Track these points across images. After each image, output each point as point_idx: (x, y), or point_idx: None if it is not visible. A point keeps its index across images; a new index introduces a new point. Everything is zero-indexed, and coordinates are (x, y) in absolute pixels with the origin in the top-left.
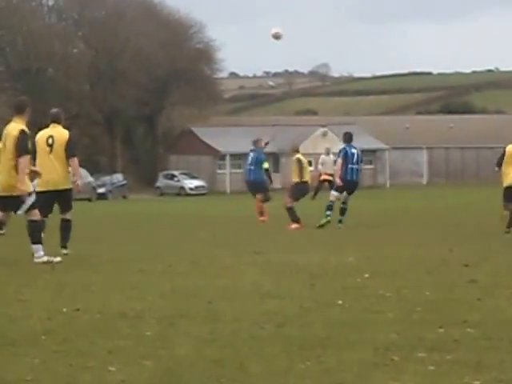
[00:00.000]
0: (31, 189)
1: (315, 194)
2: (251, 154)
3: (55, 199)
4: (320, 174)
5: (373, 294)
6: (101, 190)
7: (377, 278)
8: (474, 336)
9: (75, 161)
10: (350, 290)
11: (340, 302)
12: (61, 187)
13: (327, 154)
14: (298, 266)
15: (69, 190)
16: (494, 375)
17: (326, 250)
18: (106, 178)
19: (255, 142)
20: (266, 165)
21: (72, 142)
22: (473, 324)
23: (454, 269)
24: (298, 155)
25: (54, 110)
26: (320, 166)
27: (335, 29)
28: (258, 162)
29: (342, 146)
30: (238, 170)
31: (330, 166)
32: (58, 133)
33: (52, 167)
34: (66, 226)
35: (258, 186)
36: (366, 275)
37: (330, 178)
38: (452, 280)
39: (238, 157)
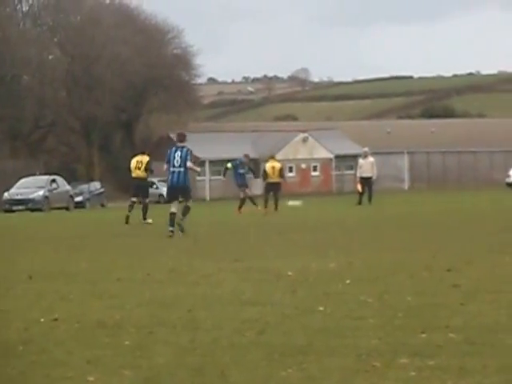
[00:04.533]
0: None
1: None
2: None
3: None
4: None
5: (354, 300)
6: (78, 199)
7: (358, 284)
8: (457, 341)
9: None
10: (331, 296)
11: (321, 308)
12: None
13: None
14: (279, 273)
15: None
16: (476, 380)
17: (307, 255)
18: (84, 186)
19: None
20: (228, 165)
21: None
22: (455, 329)
23: (436, 274)
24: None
25: None
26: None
27: (315, 33)
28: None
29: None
30: (218, 177)
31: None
32: None
33: None
34: None
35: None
36: (348, 281)
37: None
38: (434, 285)
39: (218, 163)
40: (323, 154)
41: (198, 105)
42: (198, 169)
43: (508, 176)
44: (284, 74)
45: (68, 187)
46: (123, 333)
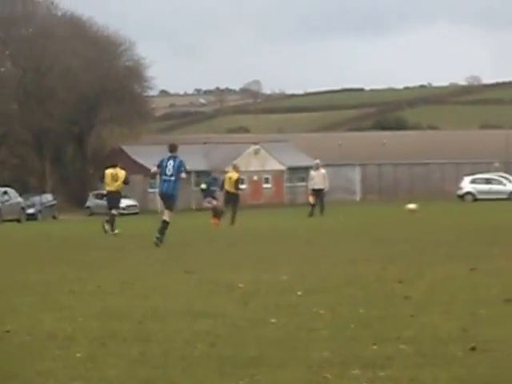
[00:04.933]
0: None
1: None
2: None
3: None
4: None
5: (306, 312)
6: (30, 211)
7: (310, 296)
8: (408, 352)
9: None
10: (283, 308)
11: (273, 320)
12: None
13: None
14: (231, 285)
15: None
16: None
17: (258, 267)
18: (36, 199)
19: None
20: (202, 186)
21: None
22: (406, 340)
23: (387, 285)
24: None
25: None
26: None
27: (267, 46)
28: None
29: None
30: None
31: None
32: None
33: None
34: None
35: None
36: (299, 293)
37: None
38: (386, 296)
39: None
40: (275, 165)
41: (150, 117)
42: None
43: (460, 188)
44: (236, 86)
45: (20, 199)
46: (75, 345)
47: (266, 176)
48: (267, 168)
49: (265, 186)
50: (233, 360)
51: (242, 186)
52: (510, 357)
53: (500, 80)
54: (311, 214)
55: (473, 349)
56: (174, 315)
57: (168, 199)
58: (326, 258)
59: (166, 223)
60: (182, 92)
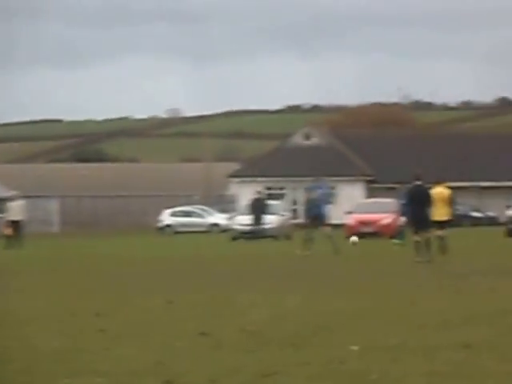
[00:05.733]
0: None
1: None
2: None
3: None
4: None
5: None
6: None
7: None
8: None
9: None
10: None
11: None
12: None
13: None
14: None
15: None
16: None
17: None
18: None
19: None
20: None
21: None
22: (102, 374)
23: (84, 318)
24: None
25: None
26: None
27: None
28: None
29: None
30: None
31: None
32: None
33: None
34: None
35: None
36: None
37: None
38: (81, 329)
39: None
40: None
41: None
42: None
43: (159, 221)
44: None
45: None
46: None
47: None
48: None
49: None
50: None
51: None
52: None
53: (200, 113)
54: (9, 246)
55: (168, 382)
56: None
57: None
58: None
59: None
60: None
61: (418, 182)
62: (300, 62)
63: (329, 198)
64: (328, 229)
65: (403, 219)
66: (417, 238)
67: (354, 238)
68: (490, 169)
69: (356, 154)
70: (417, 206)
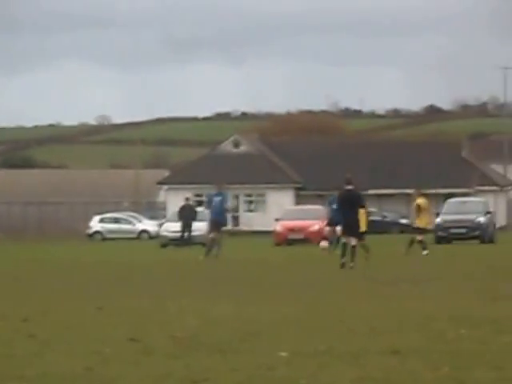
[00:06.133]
0: None
1: None
2: None
3: None
4: None
5: None
6: None
7: None
8: None
9: None
10: None
11: None
12: None
13: None
14: None
15: None
16: None
17: None
18: None
19: None
20: None
21: None
22: (30, 379)
23: (11, 323)
24: None
25: None
26: None
27: None
28: None
29: None
30: None
31: None
32: None
33: None
34: None
35: None
36: None
37: None
38: (9, 335)
39: None
40: None
41: None
42: None
43: (89, 227)
44: None
45: None
46: None
47: None
48: None
49: None
50: None
51: None
52: None
53: (130, 120)
54: None
55: None
56: None
57: None
58: None
59: None
60: None
61: (349, 187)
62: (229, 70)
63: (226, 205)
64: (219, 235)
65: (338, 228)
66: (349, 242)
67: (323, 244)
68: (418, 176)
69: (285, 162)
70: (348, 210)
